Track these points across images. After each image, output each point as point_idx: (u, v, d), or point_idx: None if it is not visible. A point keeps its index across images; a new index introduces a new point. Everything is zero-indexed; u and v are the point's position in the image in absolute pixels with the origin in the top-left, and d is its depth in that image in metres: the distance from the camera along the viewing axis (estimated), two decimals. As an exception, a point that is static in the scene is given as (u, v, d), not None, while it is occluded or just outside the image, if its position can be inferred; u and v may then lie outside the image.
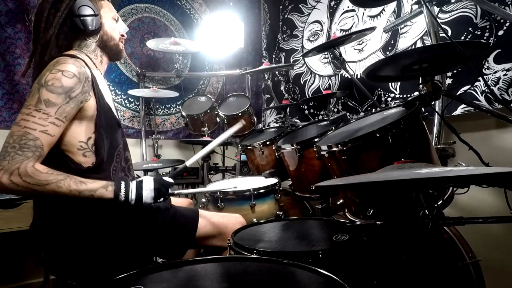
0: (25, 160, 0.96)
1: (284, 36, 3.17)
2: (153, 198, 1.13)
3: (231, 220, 1.39)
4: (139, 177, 1.25)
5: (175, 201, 1.50)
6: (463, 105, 1.76)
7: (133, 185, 1.11)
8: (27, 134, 0.97)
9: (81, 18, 1.14)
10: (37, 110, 0.99)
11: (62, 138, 1.07)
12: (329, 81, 2.72)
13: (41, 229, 1.12)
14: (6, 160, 0.95)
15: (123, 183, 1.10)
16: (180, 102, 3.18)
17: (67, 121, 1.05)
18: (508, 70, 1.60)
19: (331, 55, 2.04)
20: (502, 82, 1.62)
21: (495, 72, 1.64)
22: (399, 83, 2.11)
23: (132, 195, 1.10)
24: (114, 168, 1.19)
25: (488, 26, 1.67)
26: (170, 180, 1.21)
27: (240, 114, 2.49)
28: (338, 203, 1.74)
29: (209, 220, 1.32)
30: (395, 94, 2.13)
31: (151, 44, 2.74)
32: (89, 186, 1.04)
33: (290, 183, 1.88)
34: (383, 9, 2.26)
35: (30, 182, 0.96)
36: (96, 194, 1.05)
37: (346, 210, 1.32)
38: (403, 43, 2.10)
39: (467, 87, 1.68)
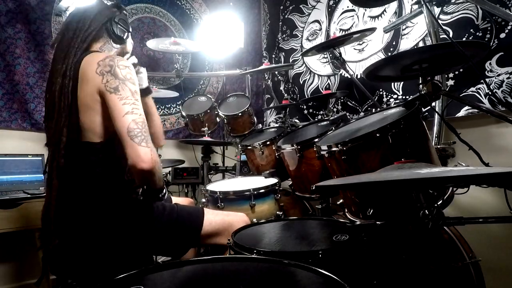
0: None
1: (284, 36, 3.17)
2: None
3: (235, 218, 1.40)
4: None
5: (176, 201, 1.50)
6: (466, 107, 1.76)
7: None
8: (144, 120, 1.10)
9: (118, 24, 1.33)
10: (137, 100, 1.12)
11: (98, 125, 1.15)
12: (328, 80, 2.71)
13: (55, 225, 1.14)
14: (149, 142, 1.07)
15: None
16: (180, 102, 3.18)
17: None
18: (511, 73, 1.60)
19: (331, 55, 2.04)
20: (505, 85, 1.62)
21: (499, 75, 1.64)
22: (401, 84, 2.10)
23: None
24: None
25: (489, 28, 1.67)
26: None
27: (240, 114, 2.49)
28: (338, 203, 1.74)
29: (214, 218, 1.33)
30: (398, 95, 2.12)
31: (151, 44, 2.74)
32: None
33: (290, 183, 1.88)
34: (385, 10, 2.26)
35: (158, 161, 1.09)
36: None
37: (346, 210, 1.32)
38: (405, 44, 2.09)
39: (470, 89, 1.68)
